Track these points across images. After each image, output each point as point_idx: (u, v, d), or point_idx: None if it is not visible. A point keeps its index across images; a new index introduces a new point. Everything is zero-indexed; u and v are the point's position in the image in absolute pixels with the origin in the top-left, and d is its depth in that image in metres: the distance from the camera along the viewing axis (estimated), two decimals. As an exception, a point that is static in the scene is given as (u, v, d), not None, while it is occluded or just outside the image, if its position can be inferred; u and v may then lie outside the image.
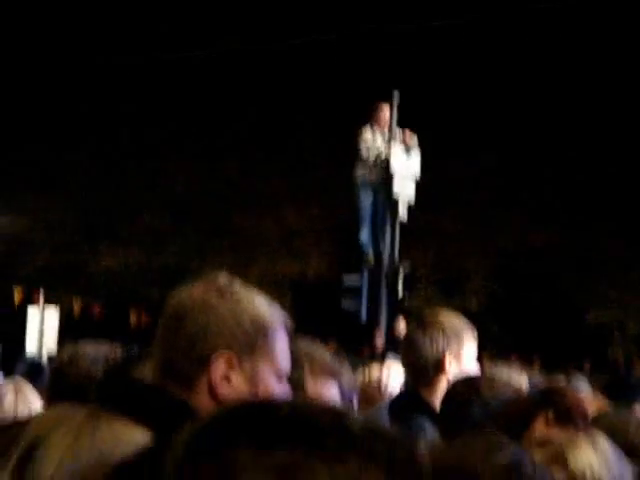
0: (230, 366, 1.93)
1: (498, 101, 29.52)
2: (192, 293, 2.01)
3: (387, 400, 4.16)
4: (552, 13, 25.22)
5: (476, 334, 3.63)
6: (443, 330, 3.50)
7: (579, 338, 29.63)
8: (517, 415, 2.72)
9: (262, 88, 30.28)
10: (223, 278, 2.07)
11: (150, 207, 30.71)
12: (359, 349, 22.88)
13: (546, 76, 29.66)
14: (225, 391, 1.92)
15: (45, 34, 29.00)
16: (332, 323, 20.99)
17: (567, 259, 30.32)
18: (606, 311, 30.87)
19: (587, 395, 3.82)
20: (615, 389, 4.57)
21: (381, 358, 11.75)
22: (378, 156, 12.71)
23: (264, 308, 2.03)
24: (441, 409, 3.32)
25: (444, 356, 3.47)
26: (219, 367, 1.92)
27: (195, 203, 30.76)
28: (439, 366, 3.47)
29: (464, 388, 3.24)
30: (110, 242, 30.31)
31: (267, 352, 1.98)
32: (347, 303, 12.91)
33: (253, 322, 1.97)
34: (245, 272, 31.46)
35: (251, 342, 1.96)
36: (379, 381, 5.73)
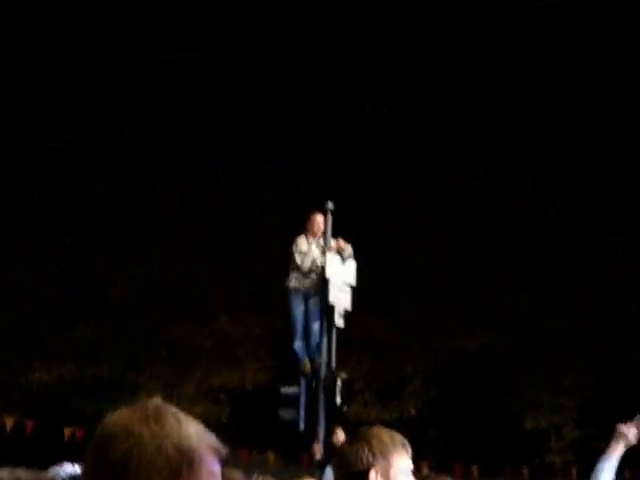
0: None
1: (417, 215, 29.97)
2: (118, 419, 1.96)
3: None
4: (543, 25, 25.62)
5: (409, 449, 3.64)
6: (370, 447, 3.52)
7: (517, 443, 29.65)
8: None
9: (202, 194, 30.43)
10: (154, 403, 2.01)
11: (85, 318, 30.41)
12: (298, 458, 22.70)
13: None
14: None
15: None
16: (271, 433, 20.83)
17: (502, 363, 30.50)
18: (543, 416, 31.00)
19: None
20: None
21: (320, 468, 11.68)
22: (313, 264, 12.84)
23: (191, 435, 1.93)
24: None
25: (368, 473, 3.48)
26: None
27: (130, 313, 30.54)
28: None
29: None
30: (44, 356, 29.88)
31: None
32: (285, 413, 12.84)
33: (177, 450, 1.89)
34: (182, 384, 31.19)
35: (174, 472, 1.87)
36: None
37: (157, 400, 2.04)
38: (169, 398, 30.82)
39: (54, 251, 30.04)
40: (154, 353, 30.54)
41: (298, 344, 12.97)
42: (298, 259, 12.86)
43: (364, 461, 3.50)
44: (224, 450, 2.00)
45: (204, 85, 29.29)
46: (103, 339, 30.43)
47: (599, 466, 5.96)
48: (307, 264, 12.82)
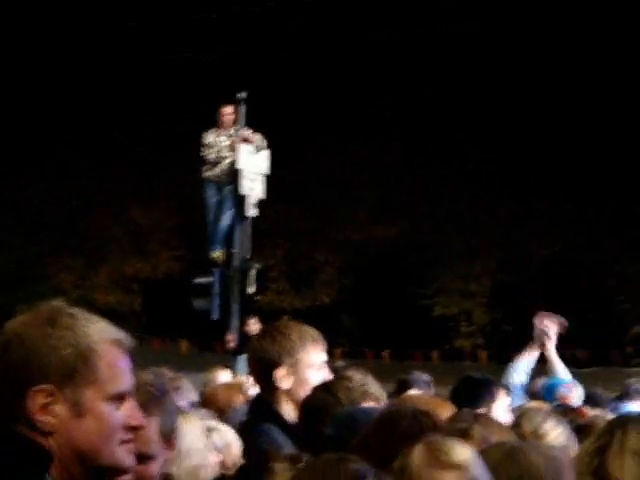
0: (49, 397, 1.90)
1: (352, 96, 29.87)
2: (14, 325, 1.98)
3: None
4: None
5: (322, 343, 3.62)
6: (277, 344, 3.52)
7: (427, 329, 30.27)
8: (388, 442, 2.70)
9: (114, 90, 29.87)
10: (51, 306, 2.02)
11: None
12: (212, 347, 22.87)
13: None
14: (47, 422, 1.90)
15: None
16: (184, 322, 20.90)
17: (413, 251, 30.94)
18: (453, 302, 31.65)
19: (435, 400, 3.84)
20: (463, 390, 4.62)
21: (234, 356, 11.76)
22: (219, 154, 12.74)
23: (88, 333, 1.95)
24: (299, 418, 3.35)
25: (276, 367, 3.49)
26: (36, 401, 1.89)
27: (43, 206, 30.16)
28: (272, 376, 3.49)
29: (321, 395, 3.27)
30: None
31: (91, 378, 1.93)
32: (198, 302, 12.84)
33: (72, 349, 1.92)
34: (94, 274, 31.05)
35: (70, 370, 1.92)
36: (239, 384, 5.74)
37: (56, 302, 2.04)
38: (81, 288, 30.70)
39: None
40: (65, 243, 30.27)
41: (212, 234, 12.92)
42: (203, 150, 12.82)
43: (271, 358, 3.50)
44: (130, 342, 2.03)
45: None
46: (12, 229, 30.04)
47: (514, 365, 5.99)
48: (212, 156, 12.73)
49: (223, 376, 7.49)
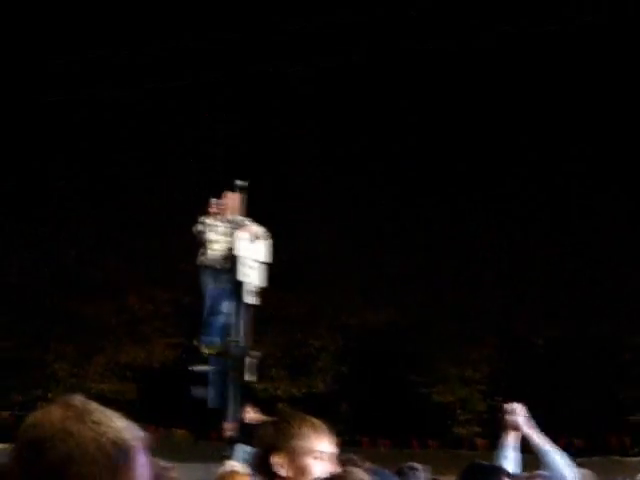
0: None
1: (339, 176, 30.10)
2: (50, 419, 1.94)
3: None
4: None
5: (325, 433, 3.62)
6: (276, 431, 3.54)
7: (424, 417, 30.07)
8: None
9: (110, 168, 30.08)
10: (78, 400, 2.00)
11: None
12: (207, 435, 22.67)
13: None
14: None
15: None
16: (179, 410, 20.76)
17: (409, 338, 30.86)
18: (449, 389, 31.48)
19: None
20: (471, 478, 4.68)
21: (231, 445, 11.69)
22: (218, 240, 12.81)
23: (123, 429, 1.96)
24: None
25: (274, 453, 3.50)
26: None
27: (34, 291, 30.11)
28: (270, 462, 3.50)
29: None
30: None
31: (129, 474, 1.94)
32: (195, 390, 12.81)
33: (115, 446, 1.92)
34: (89, 362, 30.89)
35: (113, 466, 1.91)
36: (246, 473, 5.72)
37: (78, 396, 2.02)
38: (76, 376, 30.53)
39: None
40: (60, 330, 30.18)
41: (207, 320, 12.94)
42: (199, 235, 12.89)
43: (269, 443, 3.52)
44: (148, 439, 2.03)
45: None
46: (6, 317, 29.95)
47: (502, 452, 5.97)
48: (208, 241, 12.83)
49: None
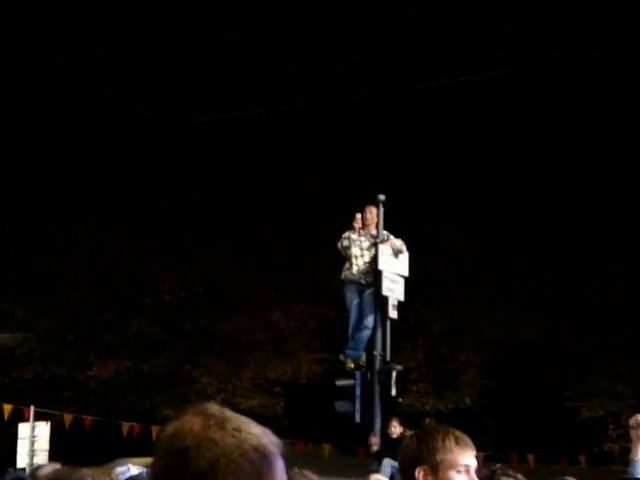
0: None
1: (482, 199, 29.88)
2: (191, 428, 1.94)
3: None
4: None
5: (469, 446, 3.62)
6: (420, 444, 3.55)
7: (573, 432, 29.47)
8: None
9: (244, 192, 30.53)
10: (215, 408, 2.01)
11: (139, 315, 30.68)
12: (354, 450, 22.72)
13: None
14: None
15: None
16: (326, 425, 20.87)
17: (557, 352, 30.32)
18: (599, 404, 30.78)
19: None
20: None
21: (377, 459, 11.71)
22: (362, 256, 12.88)
23: (262, 435, 1.97)
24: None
25: (418, 465, 3.51)
26: None
27: (183, 309, 30.76)
28: (415, 475, 3.52)
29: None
30: (100, 352, 30.19)
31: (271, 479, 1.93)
32: (340, 405, 12.87)
33: (258, 453, 1.92)
34: (237, 377, 31.37)
35: (257, 472, 1.91)
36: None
37: (213, 404, 2.04)
38: (224, 392, 31.04)
39: (106, 249, 30.29)
40: (208, 347, 30.73)
41: (352, 335, 13.01)
42: (342, 251, 12.96)
43: (414, 456, 3.53)
44: (284, 446, 2.03)
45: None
46: (158, 334, 30.68)
47: (631, 471, 5.87)
48: (352, 256, 12.88)
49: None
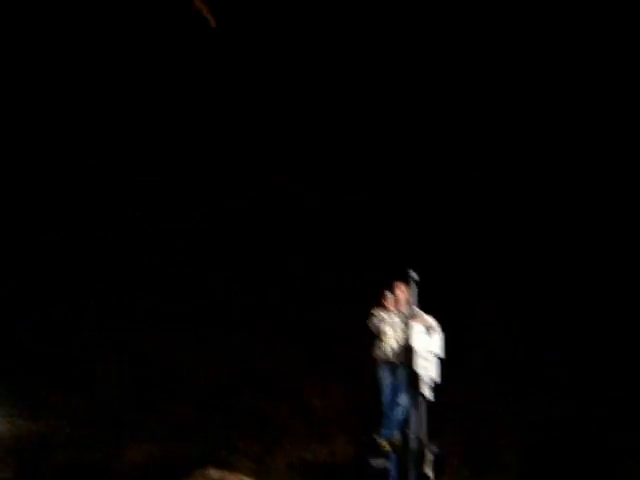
0: None
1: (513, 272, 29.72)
2: None
3: None
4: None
5: None
6: None
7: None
8: None
9: (269, 263, 30.57)
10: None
11: (172, 396, 30.58)
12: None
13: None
14: None
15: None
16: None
17: (596, 428, 29.86)
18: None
19: None
20: None
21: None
22: (397, 335, 12.78)
23: None
24: None
25: None
26: None
27: (216, 391, 30.63)
28: None
29: None
30: (134, 437, 30.06)
31: None
32: (375, 486, 12.71)
33: None
34: (272, 459, 31.06)
35: None
36: None
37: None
38: (259, 473, 30.76)
39: (132, 334, 30.35)
40: (242, 429, 30.52)
41: (386, 414, 12.88)
42: (374, 329, 12.89)
43: None
44: None
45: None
46: (189, 418, 30.52)
47: None
48: (389, 334, 12.80)
49: None
